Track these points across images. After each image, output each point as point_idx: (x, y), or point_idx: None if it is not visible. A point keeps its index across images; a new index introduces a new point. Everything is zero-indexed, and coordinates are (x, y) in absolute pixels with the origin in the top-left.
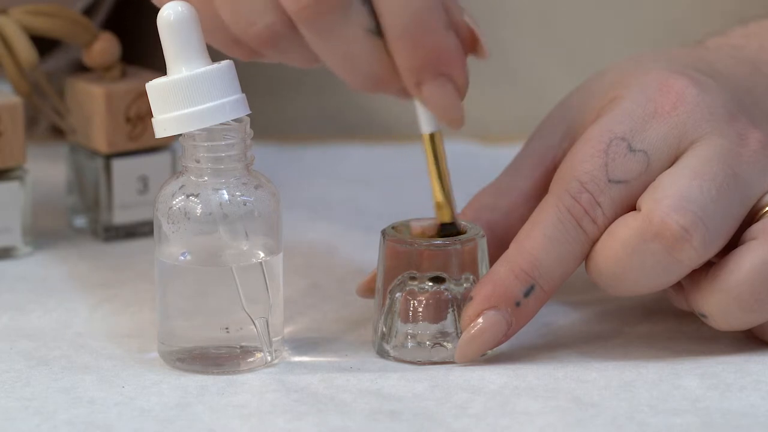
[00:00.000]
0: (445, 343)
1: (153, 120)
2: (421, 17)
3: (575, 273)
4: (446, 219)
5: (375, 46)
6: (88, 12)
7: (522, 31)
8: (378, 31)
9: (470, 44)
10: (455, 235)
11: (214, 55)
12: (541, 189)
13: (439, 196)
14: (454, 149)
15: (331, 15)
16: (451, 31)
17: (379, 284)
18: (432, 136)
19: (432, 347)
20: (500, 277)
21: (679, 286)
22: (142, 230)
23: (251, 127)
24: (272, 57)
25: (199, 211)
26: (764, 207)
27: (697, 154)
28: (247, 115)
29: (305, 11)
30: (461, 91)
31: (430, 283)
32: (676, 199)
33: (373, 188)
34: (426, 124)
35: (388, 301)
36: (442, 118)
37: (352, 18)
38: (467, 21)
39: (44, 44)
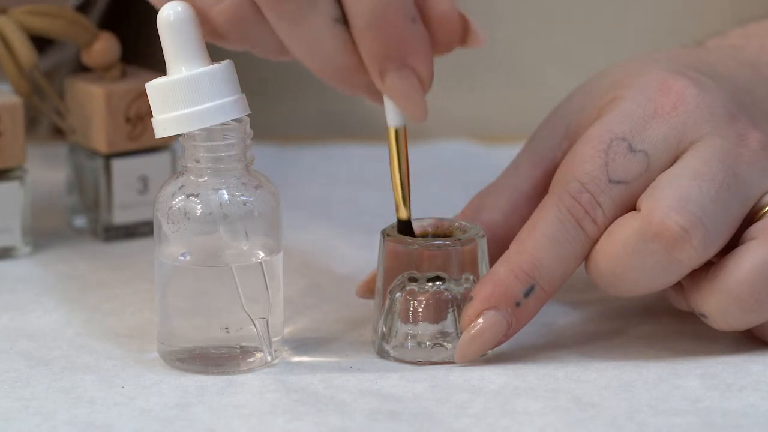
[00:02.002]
0: (445, 343)
1: (153, 120)
2: (386, 7)
3: (575, 273)
4: (402, 217)
5: (340, 36)
6: (83, 9)
7: (522, 31)
8: (344, 20)
9: (461, 33)
10: (411, 235)
11: (214, 55)
12: (542, 189)
13: (397, 194)
14: (454, 149)
15: (297, 1)
16: (418, 23)
17: (379, 284)
18: (396, 132)
19: (432, 347)
20: (500, 277)
21: (679, 286)
22: (142, 230)
23: (251, 127)
24: (237, 41)
25: (199, 211)
26: (764, 207)
27: (696, 155)
28: (247, 115)
29: None
30: (424, 84)
31: (430, 284)
32: (676, 199)
33: (373, 188)
34: (392, 118)
35: (388, 302)
36: (404, 109)
37: (318, 6)
38: (458, 10)
39: (39, 42)
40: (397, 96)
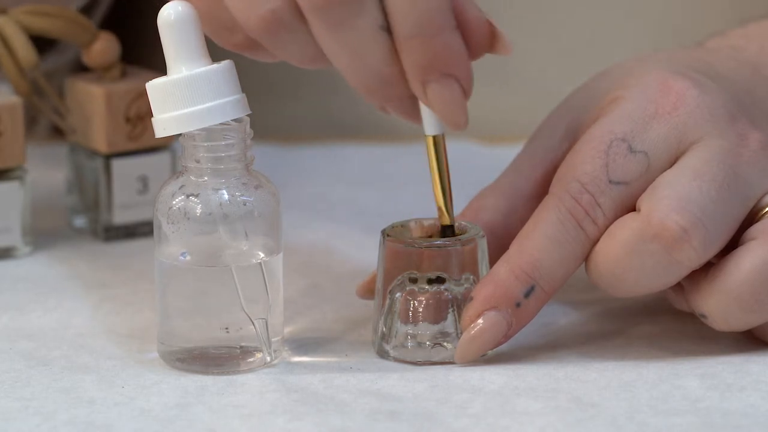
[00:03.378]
0: (445, 344)
1: (153, 119)
2: (431, 17)
3: (575, 273)
4: (445, 222)
5: (385, 44)
6: (87, 10)
7: (523, 31)
8: (387, 29)
9: (490, 41)
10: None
11: (215, 55)
12: (542, 190)
13: (439, 200)
14: (454, 149)
15: (346, 6)
16: (457, 32)
17: (379, 285)
18: (435, 139)
19: (432, 347)
20: (501, 277)
21: (678, 286)
22: (142, 230)
23: (251, 127)
24: (272, 47)
25: (199, 211)
26: (764, 207)
27: (697, 155)
28: (248, 115)
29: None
30: (466, 93)
31: (430, 284)
32: (676, 199)
33: (373, 188)
34: (430, 126)
35: (388, 302)
36: (445, 118)
37: (366, 12)
38: (486, 17)
39: (41, 44)
40: (440, 106)
